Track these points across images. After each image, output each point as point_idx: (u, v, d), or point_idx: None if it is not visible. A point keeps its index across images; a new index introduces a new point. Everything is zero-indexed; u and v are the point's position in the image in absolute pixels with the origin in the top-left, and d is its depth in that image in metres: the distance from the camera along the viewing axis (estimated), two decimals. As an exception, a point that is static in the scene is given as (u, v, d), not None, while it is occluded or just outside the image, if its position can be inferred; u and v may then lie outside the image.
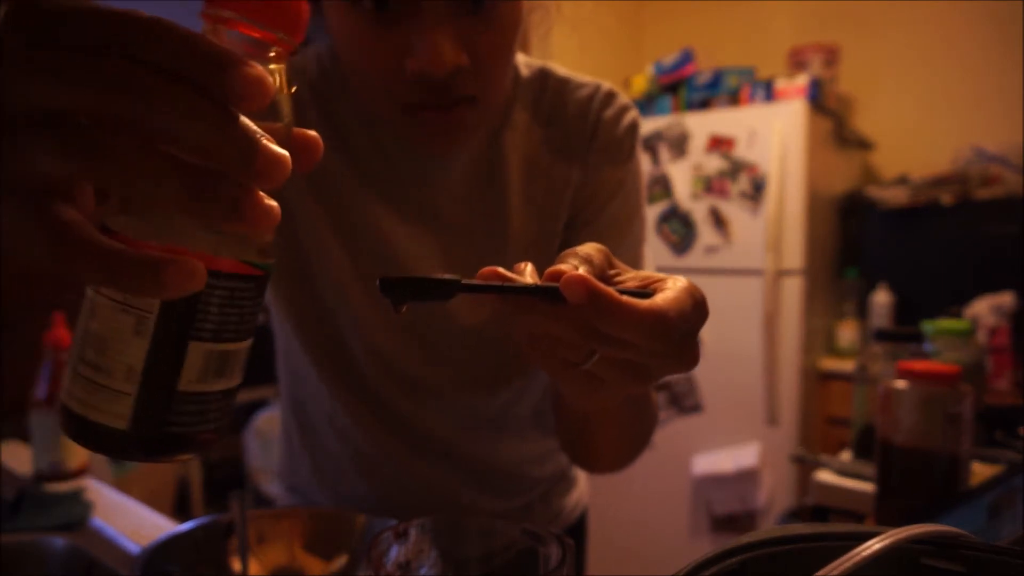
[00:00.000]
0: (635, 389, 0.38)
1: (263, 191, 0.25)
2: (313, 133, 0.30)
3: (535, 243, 0.65)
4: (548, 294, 0.34)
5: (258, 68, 0.24)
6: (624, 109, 0.68)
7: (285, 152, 0.25)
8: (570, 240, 0.66)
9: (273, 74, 0.27)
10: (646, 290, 0.36)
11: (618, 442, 0.63)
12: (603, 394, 0.39)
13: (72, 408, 0.27)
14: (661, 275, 0.38)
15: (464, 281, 0.34)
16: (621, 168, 0.67)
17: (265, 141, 0.24)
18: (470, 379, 0.70)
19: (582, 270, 0.34)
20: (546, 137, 0.66)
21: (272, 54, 0.27)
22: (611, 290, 0.33)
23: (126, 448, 0.27)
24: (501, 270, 0.35)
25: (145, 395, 0.26)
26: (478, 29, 0.50)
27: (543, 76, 0.67)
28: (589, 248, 0.38)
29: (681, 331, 0.34)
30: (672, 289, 0.35)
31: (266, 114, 0.26)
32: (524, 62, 0.68)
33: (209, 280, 0.25)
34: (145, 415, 0.27)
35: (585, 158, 0.66)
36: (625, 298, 0.33)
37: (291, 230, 0.64)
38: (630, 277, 0.38)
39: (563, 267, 0.35)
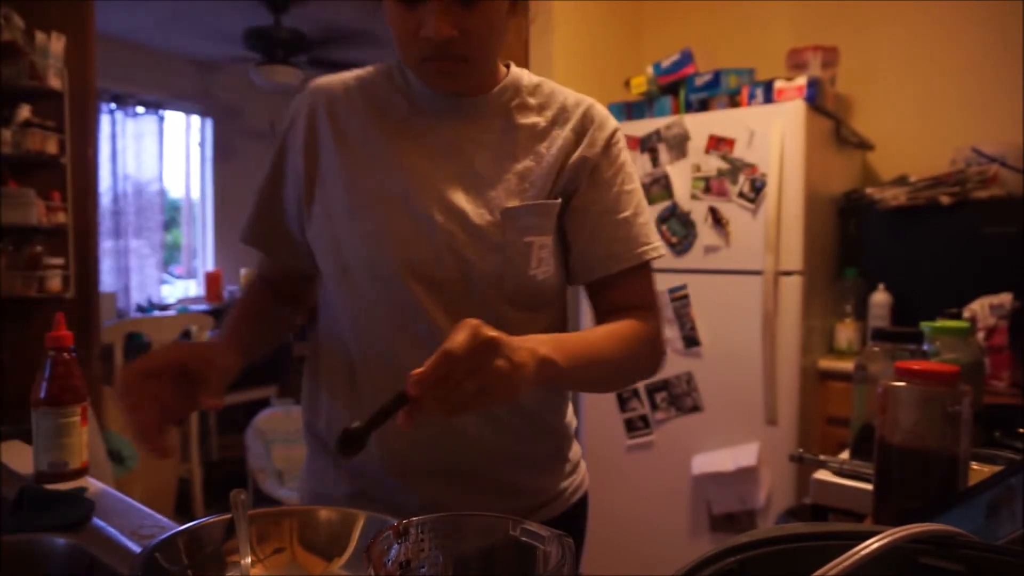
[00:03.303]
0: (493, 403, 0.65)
1: None
2: None
3: (536, 183, 0.87)
4: (401, 400, 0.63)
5: None
6: (606, 115, 0.93)
7: None
8: (591, 201, 0.90)
9: None
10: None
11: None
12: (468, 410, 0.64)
13: None
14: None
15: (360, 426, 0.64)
16: (615, 160, 0.92)
17: None
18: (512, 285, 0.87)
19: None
20: (542, 113, 0.91)
21: None
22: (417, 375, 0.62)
23: None
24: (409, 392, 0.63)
25: None
26: (466, 15, 0.79)
27: (541, 81, 0.94)
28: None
29: (465, 349, 0.61)
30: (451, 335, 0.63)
31: None
32: (527, 73, 0.94)
33: None
34: None
35: (587, 134, 0.90)
36: (416, 372, 0.62)
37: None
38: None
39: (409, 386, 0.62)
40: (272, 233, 0.94)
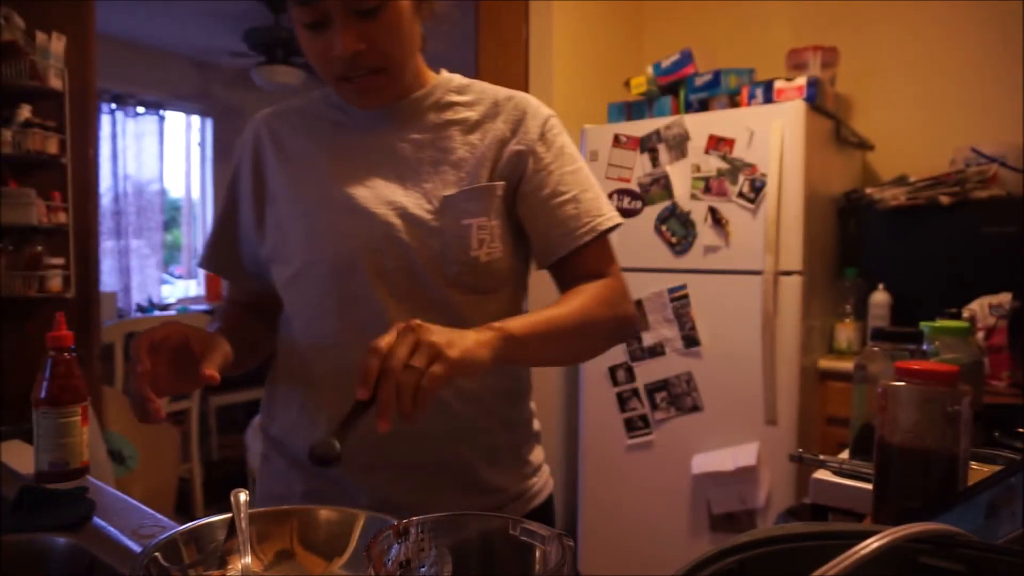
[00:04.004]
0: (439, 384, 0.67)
1: None
2: None
3: (471, 171, 0.90)
4: (360, 406, 0.67)
5: None
6: (538, 104, 0.95)
7: None
8: (537, 186, 0.92)
9: None
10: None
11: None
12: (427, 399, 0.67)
13: None
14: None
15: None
16: (552, 144, 0.94)
17: None
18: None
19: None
20: (473, 108, 0.94)
21: None
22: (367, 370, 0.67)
23: None
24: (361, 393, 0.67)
25: None
26: (372, 28, 0.82)
27: (471, 82, 0.98)
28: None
29: (394, 345, 0.67)
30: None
31: None
32: (458, 76, 0.98)
33: None
34: None
35: (521, 124, 0.93)
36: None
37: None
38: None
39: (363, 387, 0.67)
40: (228, 260, 1.01)
